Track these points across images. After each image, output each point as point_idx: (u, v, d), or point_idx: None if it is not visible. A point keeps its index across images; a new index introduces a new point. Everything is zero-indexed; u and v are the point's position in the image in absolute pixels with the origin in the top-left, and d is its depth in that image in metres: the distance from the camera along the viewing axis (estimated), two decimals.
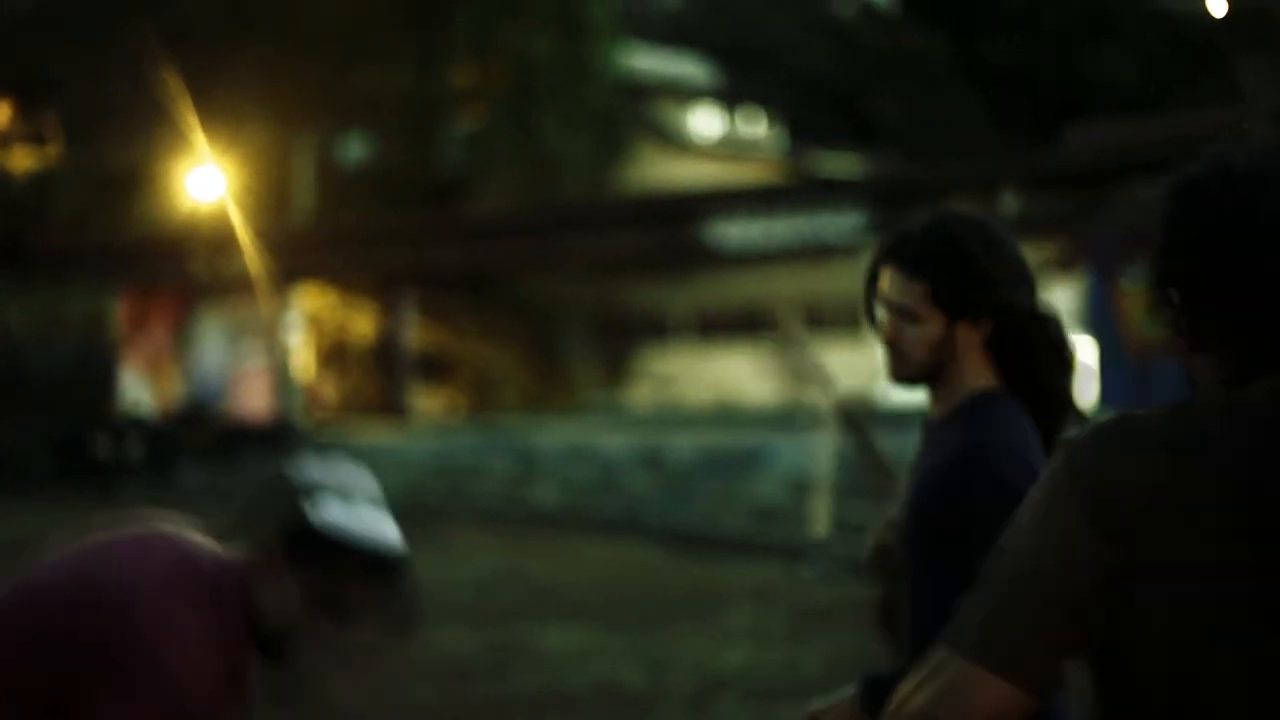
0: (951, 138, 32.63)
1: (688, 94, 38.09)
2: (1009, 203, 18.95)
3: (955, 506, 2.62)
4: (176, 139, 20.39)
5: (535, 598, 12.16)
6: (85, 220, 26.41)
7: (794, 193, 24.51)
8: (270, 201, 25.97)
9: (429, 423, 26.34)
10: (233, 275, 22.47)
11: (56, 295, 24.29)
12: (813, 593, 11.70)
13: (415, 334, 28.86)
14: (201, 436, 23.24)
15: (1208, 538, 1.60)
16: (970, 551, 2.61)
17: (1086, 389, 19.47)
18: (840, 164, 35.94)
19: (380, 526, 2.46)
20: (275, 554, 2.40)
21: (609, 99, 31.21)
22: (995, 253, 2.73)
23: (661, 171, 32.48)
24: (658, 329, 30.84)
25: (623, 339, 30.65)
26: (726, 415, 25.54)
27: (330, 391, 28.29)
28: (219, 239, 22.05)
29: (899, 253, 2.75)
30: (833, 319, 27.21)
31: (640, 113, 34.23)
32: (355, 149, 31.58)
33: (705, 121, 38.52)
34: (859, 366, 22.04)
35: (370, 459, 22.43)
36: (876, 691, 2.69)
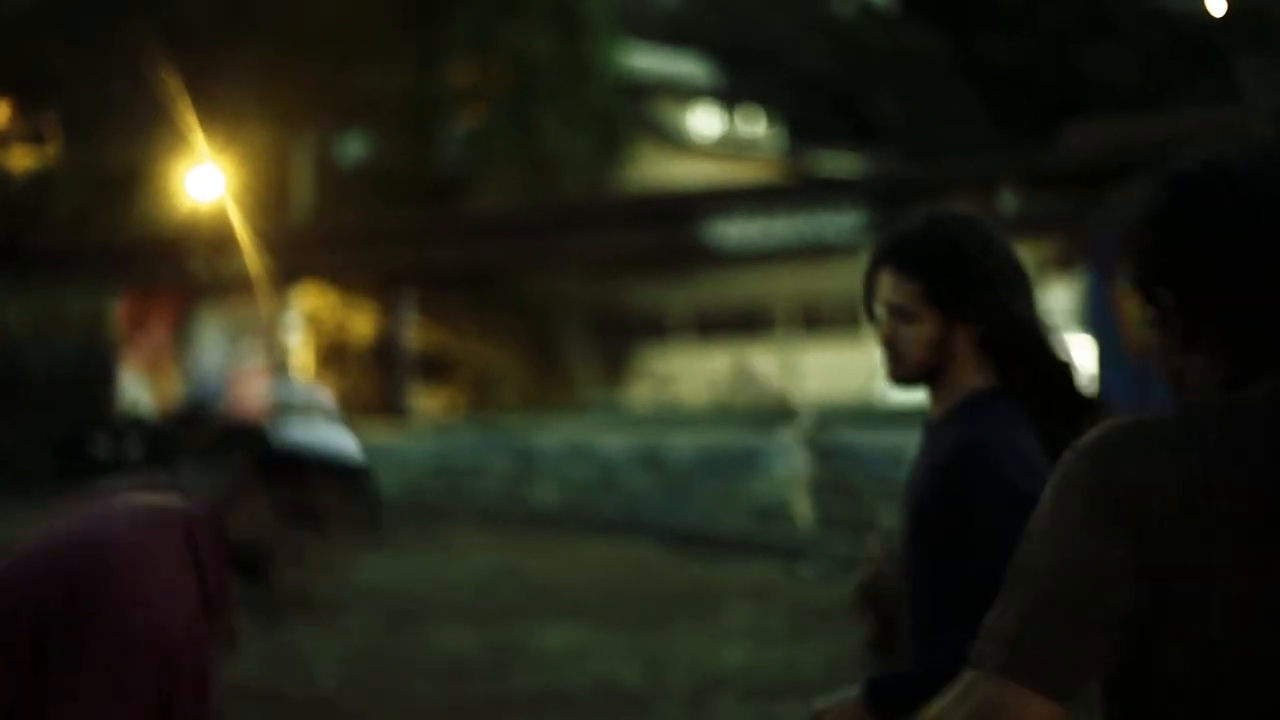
0: (950, 136, 32.63)
1: (687, 93, 38.10)
2: (1008, 201, 18.95)
3: (956, 505, 2.63)
4: (176, 138, 20.38)
5: (534, 597, 12.16)
6: (84, 220, 26.41)
7: (793, 192, 24.50)
8: (270, 201, 25.97)
9: (428, 422, 26.34)
10: (232, 275, 22.46)
11: (56, 295, 24.27)
12: (812, 592, 11.71)
13: (414, 333, 28.87)
14: (201, 436, 23.24)
15: (1225, 539, 1.58)
16: (972, 550, 2.62)
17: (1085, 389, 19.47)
18: (839, 163, 35.95)
19: (339, 438, 2.57)
20: (246, 478, 2.49)
21: (608, 98, 31.22)
22: (990, 252, 2.74)
23: (661, 171, 32.48)
24: (657, 328, 30.85)
25: (622, 338, 30.67)
26: (725, 413, 25.55)
27: (329, 391, 28.27)
28: (218, 238, 22.04)
29: (895, 253, 2.76)
30: (831, 318, 27.23)
31: (639, 112, 34.24)
32: (355, 148, 31.58)
33: (704, 121, 38.53)
34: (858, 366, 22.04)
35: (370, 458, 22.54)
36: (879, 692, 2.69)
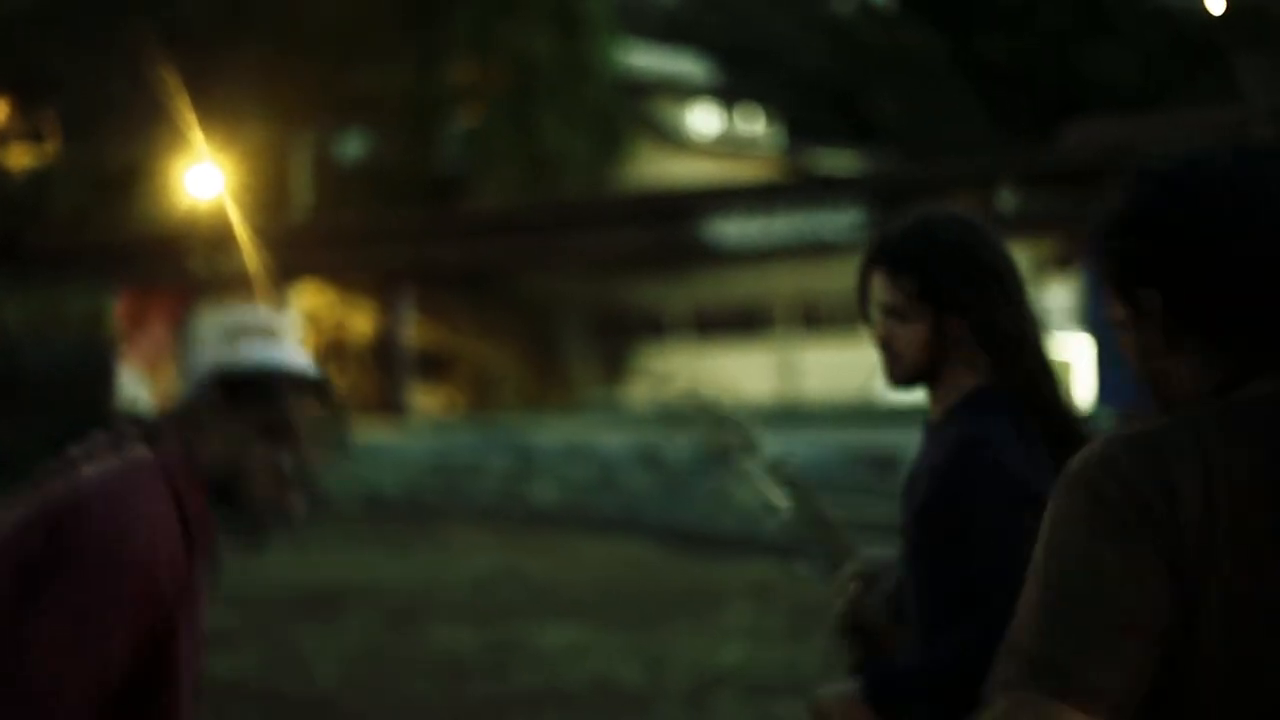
0: (950, 135, 32.64)
1: (686, 92, 38.10)
2: (1007, 200, 18.95)
3: (956, 504, 2.63)
4: (175, 137, 20.38)
5: (533, 596, 12.16)
6: (84, 218, 26.42)
7: (792, 190, 24.51)
8: (269, 199, 25.98)
9: (427, 421, 26.35)
10: (231, 273, 22.46)
11: (55, 293, 24.27)
12: (811, 591, 11.70)
13: (414, 332, 28.88)
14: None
15: (1229, 541, 1.56)
16: (972, 549, 2.62)
17: (1083, 388, 19.47)
18: (838, 161, 35.97)
19: (299, 355, 2.63)
20: (216, 403, 2.54)
21: (607, 97, 31.23)
22: (982, 248, 2.75)
23: (660, 169, 32.49)
24: (656, 327, 30.86)
25: (621, 337, 30.68)
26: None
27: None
28: (218, 237, 22.05)
29: (885, 254, 2.77)
30: (831, 317, 27.23)
31: (639, 110, 34.25)
32: (354, 147, 31.58)
33: (703, 119, 38.53)
34: (857, 364, 22.04)
35: (369, 457, 22.44)
36: (880, 687, 2.69)
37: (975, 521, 2.61)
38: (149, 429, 2.58)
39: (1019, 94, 35.31)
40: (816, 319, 27.94)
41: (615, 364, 30.68)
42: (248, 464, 2.54)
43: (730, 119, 39.28)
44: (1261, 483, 1.59)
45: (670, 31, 39.36)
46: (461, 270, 26.83)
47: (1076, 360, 20.10)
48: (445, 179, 30.08)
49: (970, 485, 2.62)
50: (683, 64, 38.39)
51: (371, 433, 23.46)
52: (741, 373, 28.76)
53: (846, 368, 24.63)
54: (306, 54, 27.47)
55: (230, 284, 23.15)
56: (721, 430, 3.49)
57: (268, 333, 2.64)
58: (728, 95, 39.04)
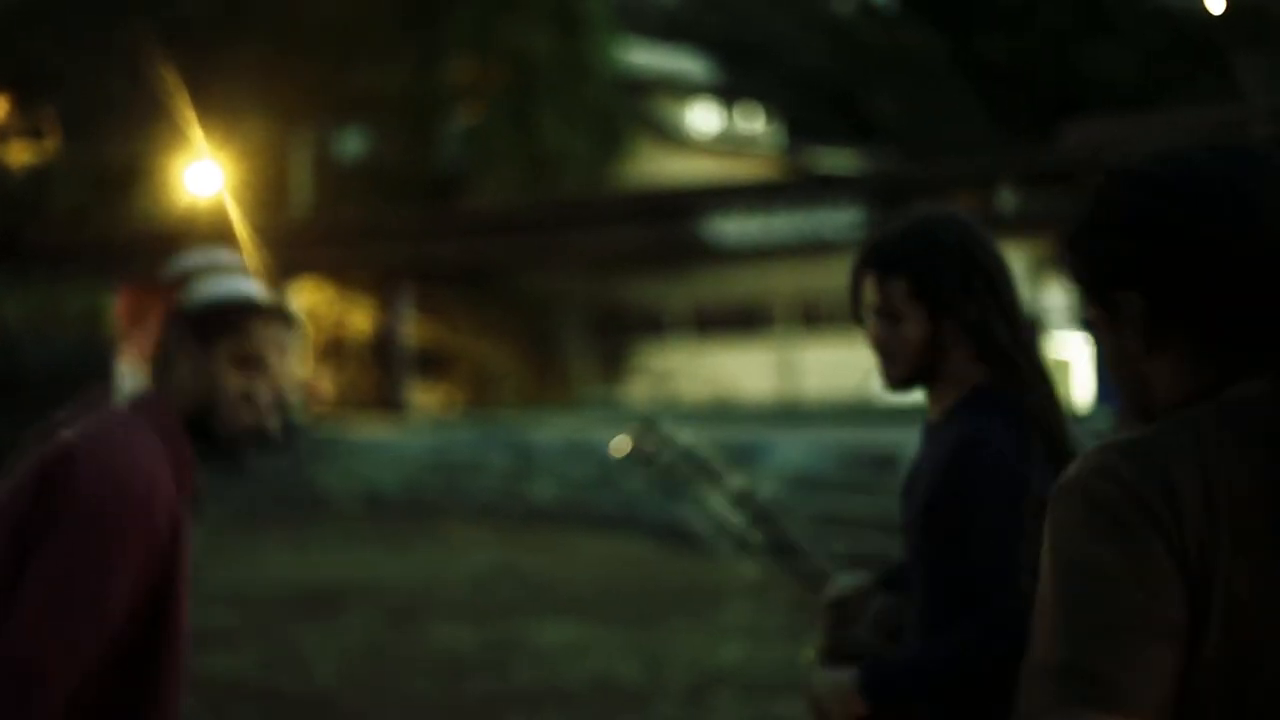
0: (949, 134, 32.64)
1: (686, 90, 38.09)
2: (1007, 200, 18.96)
3: (957, 504, 2.64)
4: (174, 134, 20.35)
5: (532, 593, 12.16)
6: (83, 215, 26.42)
7: (792, 189, 24.52)
8: (268, 197, 25.97)
9: (426, 418, 26.34)
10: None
11: (54, 291, 24.27)
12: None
13: (413, 329, 28.87)
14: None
15: (1228, 543, 1.55)
16: (972, 548, 2.63)
17: (1082, 388, 19.47)
18: (838, 160, 35.98)
19: (255, 287, 2.69)
20: (184, 341, 2.61)
21: (607, 95, 31.22)
22: (972, 246, 2.75)
23: (659, 167, 32.49)
24: (655, 325, 30.85)
25: (620, 335, 30.67)
26: (724, 410, 25.54)
27: (328, 386, 28.28)
28: (217, 234, 22.02)
29: (876, 256, 2.78)
30: (830, 315, 27.22)
31: (638, 108, 34.24)
32: (353, 145, 31.58)
33: (703, 117, 38.52)
34: (857, 363, 22.04)
35: (368, 454, 22.34)
36: (877, 681, 2.70)
37: (975, 521, 2.62)
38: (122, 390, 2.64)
39: (1019, 94, 35.31)
40: (816, 318, 27.92)
41: (615, 362, 30.68)
42: (220, 395, 2.58)
43: (730, 117, 39.28)
44: (1261, 483, 1.58)
45: (670, 30, 39.36)
46: (461, 268, 26.83)
47: (1076, 360, 20.10)
48: (445, 177, 30.08)
49: (970, 485, 2.63)
50: (682, 62, 38.39)
51: (371, 430, 23.46)
52: (741, 371, 28.77)
53: (846, 366, 24.62)
54: (306, 52, 27.47)
55: None
56: (681, 461, 3.45)
57: (226, 269, 2.69)
58: (727, 94, 39.04)
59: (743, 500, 3.33)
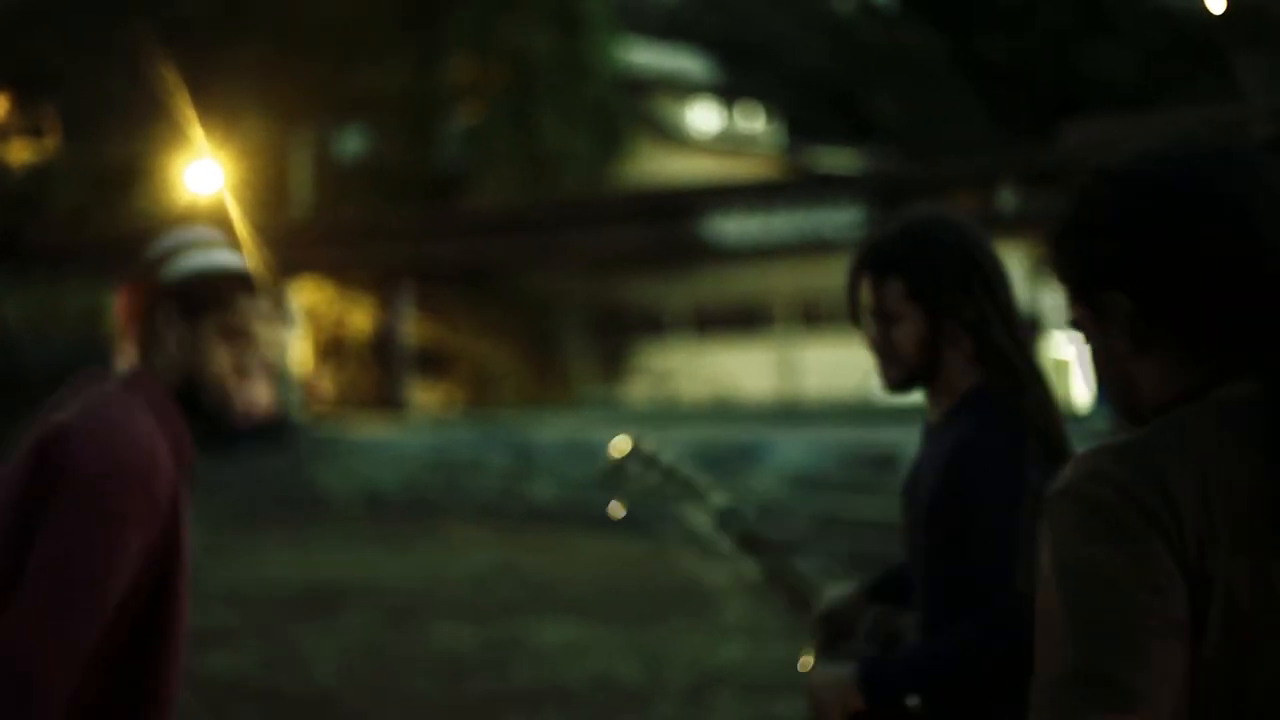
0: (949, 134, 32.64)
1: (686, 89, 38.09)
2: (1007, 199, 18.96)
3: (957, 505, 2.64)
4: (175, 134, 20.38)
5: (532, 593, 12.16)
6: (83, 215, 26.43)
7: (792, 188, 24.53)
8: (269, 196, 25.97)
9: (426, 417, 26.34)
10: None
11: (54, 290, 24.28)
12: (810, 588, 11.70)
13: (413, 329, 28.87)
14: (198, 430, 23.21)
15: (1226, 545, 1.54)
16: (973, 548, 2.63)
17: (1081, 387, 19.47)
18: (838, 159, 35.97)
19: (238, 258, 2.70)
20: (170, 316, 2.59)
21: (607, 94, 31.22)
22: (966, 245, 2.75)
23: (659, 166, 32.49)
24: (655, 324, 30.84)
25: (620, 334, 30.66)
26: (724, 410, 25.55)
27: (328, 385, 28.30)
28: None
29: (871, 257, 2.78)
30: (830, 315, 27.20)
31: (638, 108, 34.24)
32: (354, 144, 31.58)
33: (703, 117, 38.52)
34: (857, 362, 22.03)
35: (368, 453, 22.29)
36: (875, 677, 2.70)
37: (975, 522, 2.62)
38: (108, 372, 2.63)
39: (1019, 94, 35.31)
40: (816, 317, 27.90)
41: (614, 361, 30.68)
42: (208, 367, 2.58)
43: (730, 117, 39.28)
44: (1260, 484, 1.57)
45: (670, 29, 39.36)
46: (461, 267, 26.83)
47: (1074, 360, 20.09)
48: (445, 177, 30.08)
49: (970, 486, 2.63)
50: (682, 62, 38.39)
51: (371, 429, 23.46)
52: (741, 371, 28.76)
53: (846, 366, 24.62)
54: (306, 52, 27.47)
55: None
56: (663, 481, 3.45)
57: (205, 244, 2.69)
58: (728, 93, 39.04)
59: (727, 519, 3.33)
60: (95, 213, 26.47)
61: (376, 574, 13.21)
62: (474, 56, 30.00)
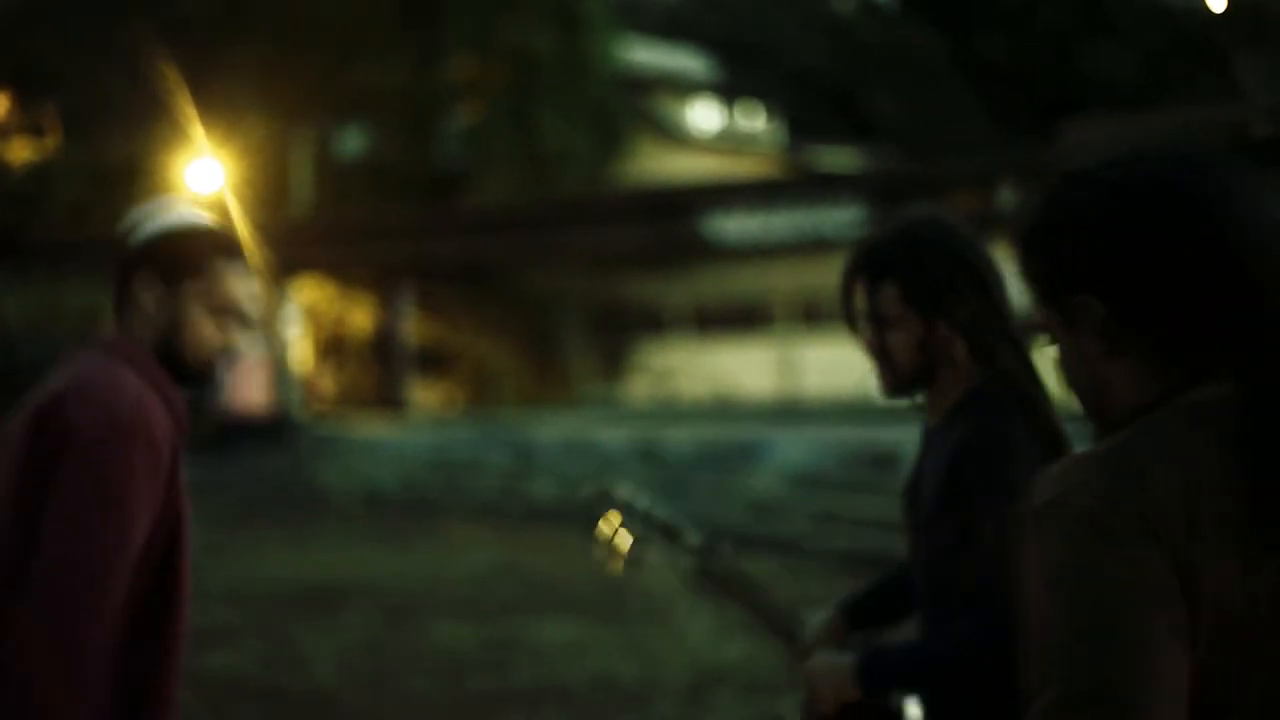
0: (949, 133, 32.65)
1: (686, 88, 38.08)
2: (1007, 199, 18.95)
3: (957, 506, 2.65)
4: (175, 132, 20.37)
5: (532, 591, 12.17)
6: (83, 213, 26.41)
7: (792, 187, 24.51)
8: (269, 195, 25.96)
9: (426, 416, 26.35)
10: None
11: (54, 288, 24.27)
12: (809, 586, 11.71)
13: (413, 327, 28.88)
14: (199, 429, 23.22)
15: (1213, 549, 1.53)
16: (973, 549, 2.64)
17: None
18: (838, 158, 35.96)
19: (202, 214, 2.73)
20: (145, 278, 2.61)
21: (607, 93, 31.22)
22: (959, 247, 2.75)
23: (660, 165, 32.49)
24: (655, 323, 30.85)
25: (620, 333, 30.67)
26: (724, 409, 25.56)
27: (328, 384, 28.30)
28: None
29: (865, 262, 2.78)
30: (830, 314, 27.19)
31: (638, 106, 34.23)
32: (354, 143, 31.57)
33: (703, 115, 38.52)
34: (857, 362, 22.02)
35: (368, 452, 22.29)
36: (874, 668, 2.70)
37: (977, 522, 2.62)
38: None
39: (1018, 92, 35.31)
40: (817, 316, 27.90)
41: (615, 360, 30.68)
42: (186, 327, 2.61)
43: (731, 115, 39.27)
44: (1239, 487, 1.56)
45: (670, 27, 39.36)
46: (461, 266, 26.83)
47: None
48: (445, 175, 30.08)
49: (972, 487, 2.64)
50: (683, 60, 38.38)
51: (371, 428, 23.46)
52: (741, 369, 28.77)
53: (846, 365, 24.62)
54: (306, 50, 27.47)
55: None
56: (644, 527, 3.44)
57: (172, 205, 2.73)
58: (728, 91, 39.03)
59: (706, 557, 3.34)
60: (95, 211, 26.44)
61: (376, 573, 13.22)
62: (474, 55, 29.99)
